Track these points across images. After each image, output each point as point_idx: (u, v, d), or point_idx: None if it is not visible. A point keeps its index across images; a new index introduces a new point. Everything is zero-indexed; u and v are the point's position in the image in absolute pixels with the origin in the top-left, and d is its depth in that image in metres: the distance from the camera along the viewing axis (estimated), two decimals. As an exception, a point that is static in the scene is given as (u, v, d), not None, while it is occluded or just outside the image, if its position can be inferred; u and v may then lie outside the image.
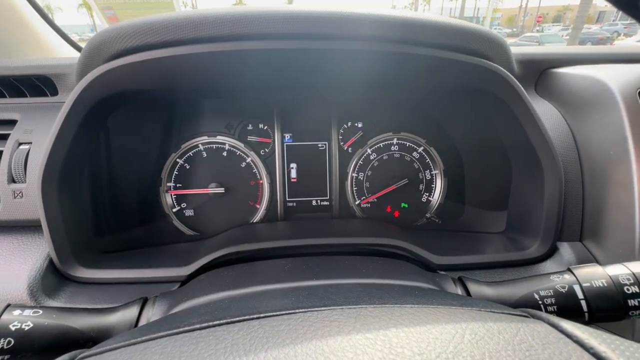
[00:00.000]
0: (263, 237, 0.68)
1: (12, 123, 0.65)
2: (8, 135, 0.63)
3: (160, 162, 0.81)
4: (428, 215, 0.87)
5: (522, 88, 0.58)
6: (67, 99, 0.55)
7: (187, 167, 0.83)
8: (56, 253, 0.57)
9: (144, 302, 0.47)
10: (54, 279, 0.57)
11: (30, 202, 0.61)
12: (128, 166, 0.75)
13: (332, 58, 0.55)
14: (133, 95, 0.65)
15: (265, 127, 0.84)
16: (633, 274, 0.40)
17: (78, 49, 1.10)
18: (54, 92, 0.69)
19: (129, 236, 0.75)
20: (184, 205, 0.84)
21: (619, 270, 0.41)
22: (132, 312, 0.46)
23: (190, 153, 0.83)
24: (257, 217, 0.85)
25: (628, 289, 0.40)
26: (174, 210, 0.83)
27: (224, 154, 0.84)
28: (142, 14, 0.55)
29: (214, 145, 0.83)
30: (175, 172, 0.82)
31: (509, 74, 0.58)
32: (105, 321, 0.43)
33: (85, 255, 0.61)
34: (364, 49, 0.53)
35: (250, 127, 0.84)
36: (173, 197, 0.83)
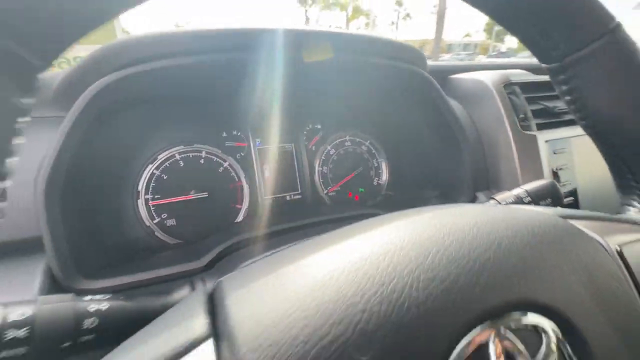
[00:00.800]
0: (259, 227, 0.75)
1: None
2: None
3: (136, 174, 0.81)
4: (382, 193, 1.07)
5: (439, 87, 0.84)
6: (69, 108, 0.55)
7: (165, 178, 0.84)
8: (60, 268, 0.54)
9: (191, 285, 0.51)
10: None
11: (11, 222, 0.56)
12: (108, 179, 0.73)
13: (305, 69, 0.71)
14: (123, 106, 0.67)
15: (239, 133, 0.93)
16: (525, 190, 0.66)
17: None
18: None
19: (111, 253, 0.72)
20: (164, 215, 0.84)
21: (518, 191, 0.66)
22: (185, 291, 0.49)
23: (167, 163, 0.84)
24: (240, 217, 0.91)
25: (524, 199, 0.64)
26: (155, 221, 0.83)
27: (201, 161, 0.88)
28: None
29: (191, 154, 0.87)
30: (152, 184, 0.83)
31: (429, 76, 0.82)
32: (169, 299, 0.46)
33: (87, 268, 0.59)
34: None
35: (224, 134, 0.91)
36: (152, 208, 0.83)
